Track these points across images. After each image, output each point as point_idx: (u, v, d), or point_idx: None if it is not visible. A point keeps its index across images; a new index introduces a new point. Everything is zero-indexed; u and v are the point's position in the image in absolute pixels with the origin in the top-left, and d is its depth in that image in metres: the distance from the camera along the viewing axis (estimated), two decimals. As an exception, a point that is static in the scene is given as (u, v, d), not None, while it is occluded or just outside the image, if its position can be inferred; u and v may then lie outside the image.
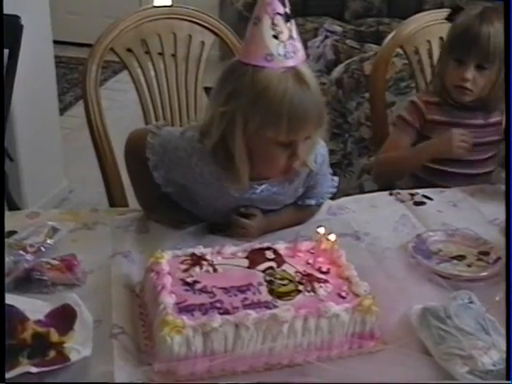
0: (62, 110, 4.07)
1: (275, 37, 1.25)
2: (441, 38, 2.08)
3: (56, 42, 3.24)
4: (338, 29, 3.71)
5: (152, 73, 1.92)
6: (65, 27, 5.10)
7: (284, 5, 1.27)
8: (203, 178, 1.38)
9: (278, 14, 1.25)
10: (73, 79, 5.02)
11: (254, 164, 1.33)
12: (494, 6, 1.73)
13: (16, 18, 2.43)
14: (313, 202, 1.52)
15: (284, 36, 1.25)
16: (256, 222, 1.43)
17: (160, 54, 1.93)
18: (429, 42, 2.09)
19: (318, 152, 1.44)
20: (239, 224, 1.43)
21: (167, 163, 1.41)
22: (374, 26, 5.41)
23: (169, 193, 1.50)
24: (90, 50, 1.86)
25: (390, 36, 2.10)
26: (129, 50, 1.88)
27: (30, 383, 1.02)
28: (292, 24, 1.27)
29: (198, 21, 1.92)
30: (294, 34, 1.28)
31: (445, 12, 1.91)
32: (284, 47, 1.25)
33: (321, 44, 3.46)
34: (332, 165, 2.85)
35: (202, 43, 1.94)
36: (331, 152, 2.83)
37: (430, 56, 2.10)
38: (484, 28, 1.73)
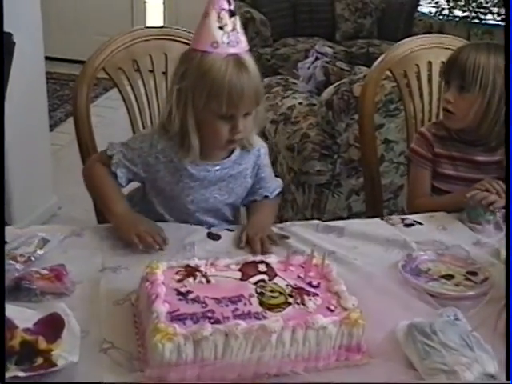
0: (52, 126, 4.06)
1: (220, 28, 1.47)
2: (429, 62, 2.11)
3: (47, 58, 3.24)
4: (329, 50, 3.73)
5: (142, 90, 1.93)
6: (56, 44, 5.11)
7: (229, 3, 1.48)
8: (164, 155, 1.57)
9: (224, 9, 1.48)
10: (63, 95, 5.02)
11: (202, 137, 1.54)
12: (492, 43, 1.76)
13: (8, 34, 2.43)
14: (266, 193, 1.70)
15: (228, 28, 1.47)
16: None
17: (150, 71, 1.94)
18: (417, 65, 2.11)
19: (259, 145, 1.67)
20: (265, 248, 1.48)
21: (130, 156, 1.58)
22: (365, 48, 5.47)
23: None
24: (81, 68, 1.87)
25: (379, 59, 2.13)
26: (120, 68, 1.89)
27: (31, 383, 1.04)
28: (236, 19, 1.49)
29: (189, 41, 1.92)
30: (238, 27, 1.49)
31: (433, 37, 1.93)
32: (228, 37, 1.47)
33: (311, 65, 3.48)
34: (321, 185, 2.91)
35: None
36: (320, 173, 2.89)
37: (418, 79, 2.12)
38: (464, 51, 1.77)
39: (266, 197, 1.70)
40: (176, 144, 1.55)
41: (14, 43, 2.43)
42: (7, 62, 2.45)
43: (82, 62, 1.93)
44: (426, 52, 2.11)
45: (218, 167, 1.59)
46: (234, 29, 1.48)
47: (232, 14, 1.48)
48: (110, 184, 1.59)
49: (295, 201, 3.12)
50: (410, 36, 2.21)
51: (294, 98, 3.28)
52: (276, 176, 1.76)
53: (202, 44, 1.48)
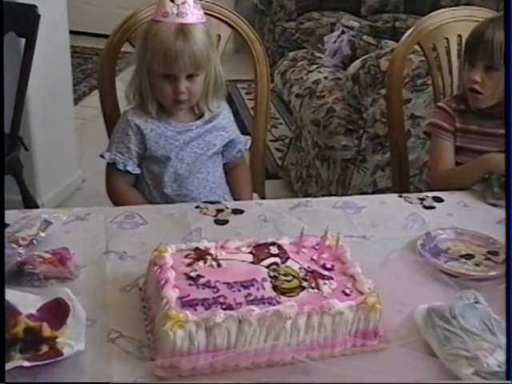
0: (76, 100, 4.06)
1: (172, 0, 1.62)
2: (459, 36, 2.07)
3: (71, 32, 3.22)
4: (355, 24, 3.69)
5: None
6: (80, 17, 5.10)
7: None
8: (143, 127, 1.71)
9: None
10: (87, 69, 5.03)
11: (156, 97, 1.71)
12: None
13: (33, 7, 2.43)
14: (236, 156, 1.87)
15: (179, 1, 1.62)
16: None
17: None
18: (447, 39, 2.07)
19: (225, 106, 1.83)
20: None
21: (124, 149, 1.72)
22: (390, 22, 5.40)
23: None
24: (106, 41, 1.86)
25: (408, 32, 2.08)
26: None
27: (30, 383, 1.00)
28: None
29: (214, 13, 1.91)
30: (190, 1, 1.63)
31: (463, 9, 1.89)
32: (177, 8, 1.62)
33: (337, 39, 3.44)
34: (346, 160, 2.89)
35: (219, 36, 1.93)
36: (346, 148, 2.87)
37: (448, 53, 2.08)
38: (489, 29, 1.72)
39: (235, 157, 1.87)
40: (139, 108, 1.72)
41: (39, 16, 2.43)
42: (32, 34, 2.45)
43: (105, 36, 1.92)
44: (456, 25, 2.07)
45: (193, 127, 1.75)
46: (184, 2, 1.62)
47: None
48: (131, 195, 1.76)
49: (320, 176, 3.10)
50: (437, 10, 2.17)
51: (320, 72, 3.25)
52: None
53: (156, 14, 1.65)
